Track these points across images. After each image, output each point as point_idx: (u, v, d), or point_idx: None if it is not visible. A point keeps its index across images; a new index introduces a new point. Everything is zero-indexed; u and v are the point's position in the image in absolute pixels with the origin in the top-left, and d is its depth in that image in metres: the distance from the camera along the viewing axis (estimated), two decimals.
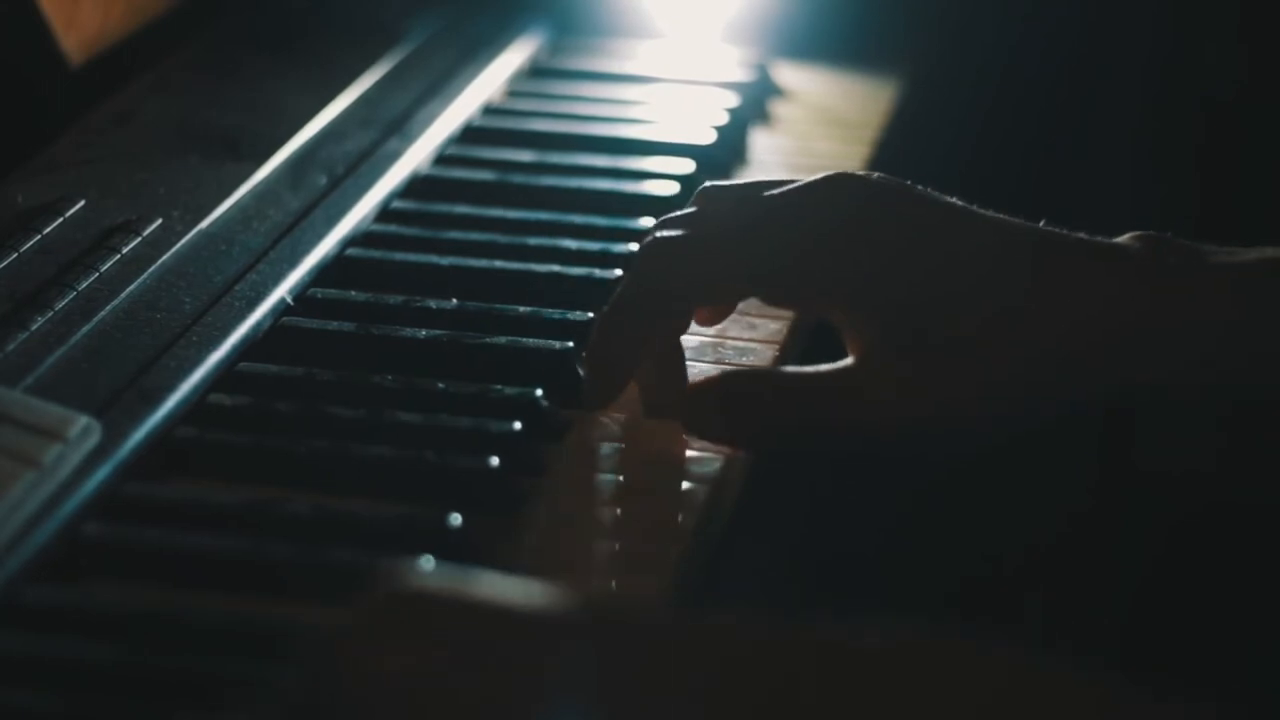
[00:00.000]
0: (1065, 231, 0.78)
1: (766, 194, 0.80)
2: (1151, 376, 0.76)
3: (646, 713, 0.52)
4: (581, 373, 0.81)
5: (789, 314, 0.88)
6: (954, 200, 0.79)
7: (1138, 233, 0.78)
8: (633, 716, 0.52)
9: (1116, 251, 0.77)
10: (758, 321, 0.88)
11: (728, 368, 0.85)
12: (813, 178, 0.80)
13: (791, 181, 0.80)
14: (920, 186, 0.79)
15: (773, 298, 0.82)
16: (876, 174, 0.79)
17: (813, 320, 0.86)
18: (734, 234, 0.79)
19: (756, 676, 0.52)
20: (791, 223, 0.79)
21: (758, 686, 0.52)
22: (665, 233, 0.80)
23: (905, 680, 0.52)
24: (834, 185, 0.79)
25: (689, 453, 0.79)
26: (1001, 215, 0.78)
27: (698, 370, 0.84)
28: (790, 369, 0.79)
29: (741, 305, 0.87)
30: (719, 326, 0.86)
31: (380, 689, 0.52)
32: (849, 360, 0.77)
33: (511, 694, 0.52)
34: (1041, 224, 0.78)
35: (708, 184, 0.83)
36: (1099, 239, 0.78)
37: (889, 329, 0.76)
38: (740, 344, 0.86)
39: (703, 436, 0.79)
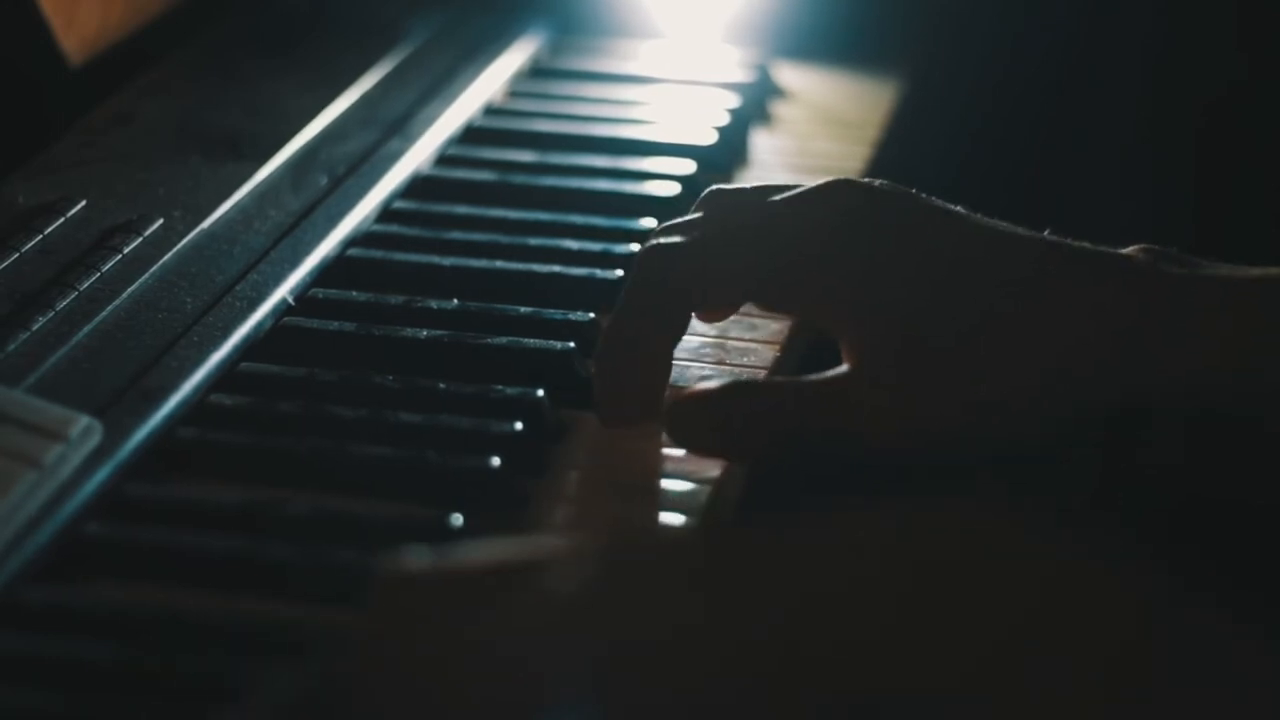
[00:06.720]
0: (1068, 241, 0.77)
1: (768, 199, 0.79)
2: (1146, 386, 0.75)
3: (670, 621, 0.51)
4: (594, 390, 0.80)
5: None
6: (956, 208, 0.78)
7: (1142, 245, 0.77)
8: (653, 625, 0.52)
9: (1118, 262, 0.76)
10: (758, 322, 0.88)
11: (728, 368, 0.85)
12: (814, 183, 0.79)
13: (796, 186, 0.80)
14: (923, 194, 0.79)
15: (769, 304, 0.82)
16: (879, 181, 0.79)
17: (812, 329, 0.85)
18: (731, 240, 0.79)
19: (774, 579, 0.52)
20: (787, 230, 0.78)
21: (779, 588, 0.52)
22: (664, 239, 0.79)
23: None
24: (833, 192, 0.78)
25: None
26: (1004, 224, 0.78)
27: (696, 372, 0.84)
28: (780, 379, 0.78)
29: (743, 306, 0.87)
30: (720, 326, 0.86)
31: (402, 677, 0.52)
32: (843, 368, 0.77)
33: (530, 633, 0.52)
34: (1046, 233, 0.78)
35: (713, 187, 0.83)
36: (1102, 249, 0.77)
37: (882, 337, 0.75)
38: (741, 344, 0.86)
39: (689, 447, 0.78)
